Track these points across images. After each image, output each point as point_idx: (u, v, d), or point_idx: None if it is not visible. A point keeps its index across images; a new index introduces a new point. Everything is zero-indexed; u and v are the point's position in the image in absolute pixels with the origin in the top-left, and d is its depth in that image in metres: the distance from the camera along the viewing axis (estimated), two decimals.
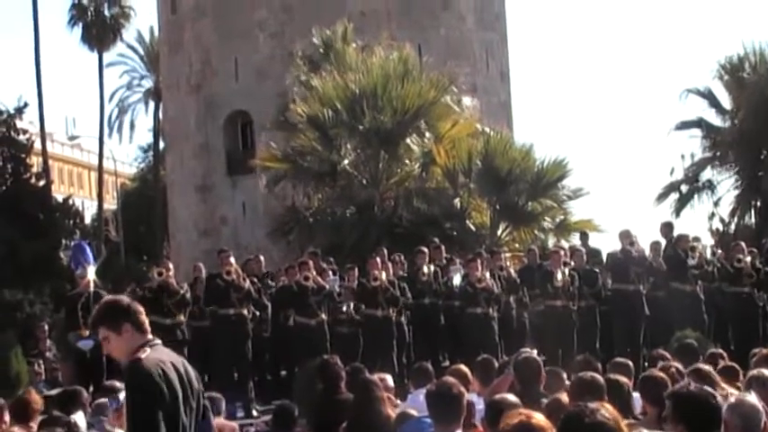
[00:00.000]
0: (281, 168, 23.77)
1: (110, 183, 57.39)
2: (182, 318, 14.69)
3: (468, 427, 6.65)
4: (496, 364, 9.10)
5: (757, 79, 29.78)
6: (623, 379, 7.44)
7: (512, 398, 6.67)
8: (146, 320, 5.38)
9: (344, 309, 16.00)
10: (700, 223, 33.62)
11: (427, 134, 23.34)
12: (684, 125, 31.92)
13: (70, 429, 7.83)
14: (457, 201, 22.91)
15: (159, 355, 5.27)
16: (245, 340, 14.86)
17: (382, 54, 23.92)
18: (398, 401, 9.20)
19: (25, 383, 15.07)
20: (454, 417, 6.22)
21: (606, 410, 4.17)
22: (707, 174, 31.51)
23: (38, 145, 40.34)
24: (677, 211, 31.06)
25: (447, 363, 15.16)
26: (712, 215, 31.41)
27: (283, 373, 16.25)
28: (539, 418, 4.71)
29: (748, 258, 17.01)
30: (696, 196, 31.37)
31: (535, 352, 8.49)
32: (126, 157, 67.06)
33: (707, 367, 8.30)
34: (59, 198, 40.90)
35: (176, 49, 34.85)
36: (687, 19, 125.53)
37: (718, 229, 31.05)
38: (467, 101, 25.74)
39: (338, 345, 14.85)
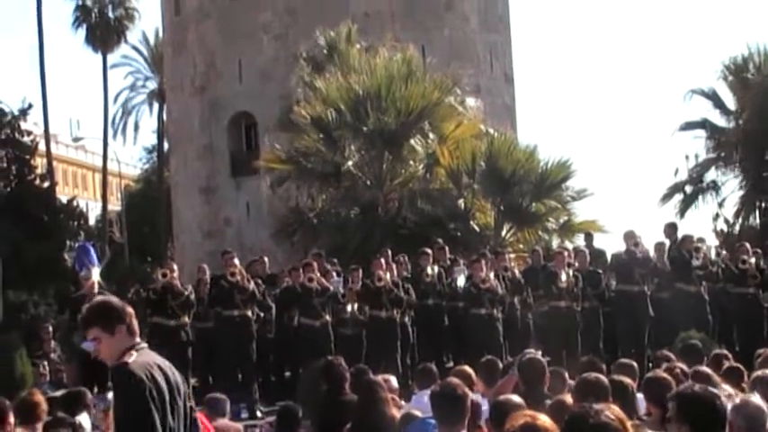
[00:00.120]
0: (285, 169, 23.77)
1: (114, 184, 57.48)
2: (186, 319, 14.71)
3: (473, 428, 6.65)
4: (501, 365, 9.11)
5: (761, 80, 29.79)
6: (627, 380, 7.43)
7: (516, 399, 6.67)
8: (137, 323, 5.39)
9: (348, 309, 16.00)
10: (704, 224, 33.61)
11: (431, 135, 23.33)
12: (689, 126, 31.94)
13: (75, 430, 7.84)
14: (461, 202, 22.89)
15: (146, 358, 5.28)
16: (249, 341, 14.86)
17: (386, 55, 23.92)
18: (403, 402, 9.20)
19: (30, 385, 15.09)
20: (458, 418, 6.21)
21: (611, 411, 4.16)
22: (711, 174, 31.54)
23: (42, 146, 40.39)
24: (681, 212, 31.06)
25: (451, 364, 15.16)
26: (717, 216, 31.43)
27: (287, 374, 16.26)
28: (544, 419, 4.72)
29: (753, 259, 16.99)
30: (700, 197, 31.38)
31: (539, 353, 8.50)
32: (130, 158, 67.31)
33: (707, 369, 8.32)
34: (64, 199, 41.02)
35: (180, 51, 34.89)
36: (691, 20, 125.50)
37: (722, 230, 31.05)
38: (470, 102, 25.74)
39: (342, 346, 14.86)
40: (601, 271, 17.14)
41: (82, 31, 48.28)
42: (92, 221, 51.48)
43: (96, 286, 14.10)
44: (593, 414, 4.15)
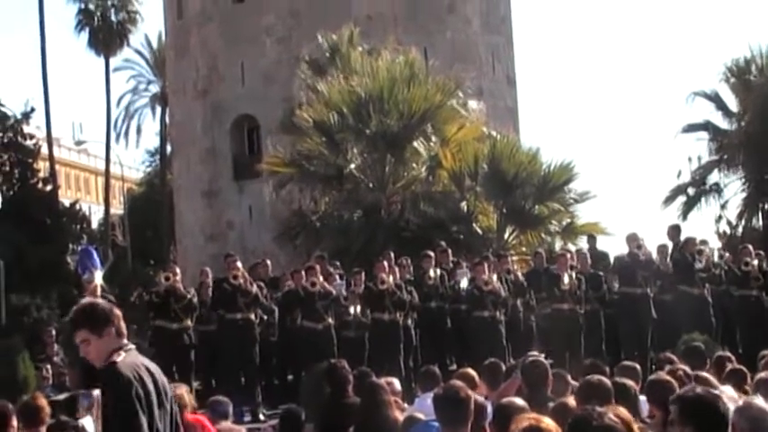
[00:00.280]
0: (288, 172, 23.77)
1: (116, 187, 57.48)
2: (189, 322, 14.73)
3: (477, 430, 6.64)
4: (504, 368, 9.10)
5: (764, 82, 29.80)
6: (630, 382, 7.44)
7: (519, 401, 6.67)
8: (124, 325, 5.41)
9: (351, 312, 15.99)
10: (707, 226, 33.54)
11: (433, 138, 23.33)
12: (691, 128, 31.94)
13: None
14: (463, 204, 22.88)
15: (134, 359, 5.32)
16: (252, 345, 14.87)
17: (388, 58, 23.92)
18: (406, 405, 9.19)
19: (32, 388, 15.07)
20: (461, 420, 6.21)
21: (617, 413, 4.16)
22: (714, 177, 31.54)
23: (45, 150, 40.41)
24: (684, 214, 31.05)
25: (454, 366, 15.19)
26: (719, 218, 31.43)
27: (290, 377, 16.26)
28: (548, 422, 4.72)
29: (756, 261, 16.99)
30: (703, 199, 31.38)
31: (542, 355, 8.49)
32: (133, 161, 67.40)
33: (706, 374, 8.33)
34: (66, 203, 40.99)
35: (183, 54, 34.90)
36: (693, 22, 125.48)
37: (725, 232, 31.05)
38: (473, 104, 25.74)
39: (345, 349, 14.85)
40: (602, 273, 17.15)
41: (84, 35, 48.39)
42: (94, 225, 51.48)
43: (99, 290, 14.08)
44: (596, 416, 4.15)
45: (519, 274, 17.90)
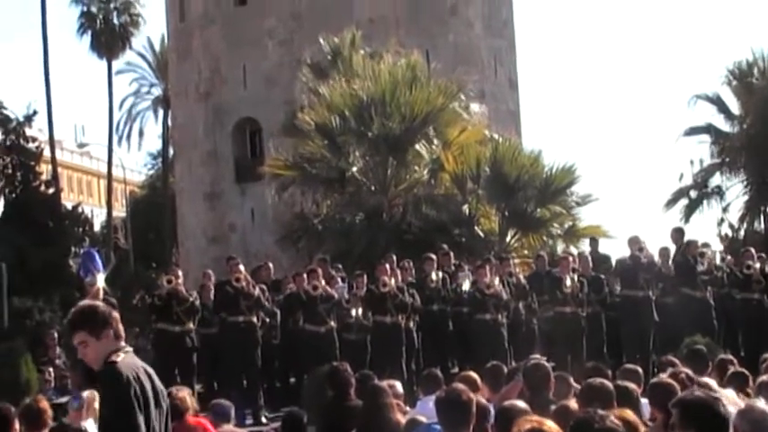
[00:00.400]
0: (290, 175, 23.78)
1: (119, 190, 57.51)
2: (191, 325, 14.73)
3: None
4: (505, 371, 9.10)
5: (766, 84, 29.84)
6: (632, 385, 7.43)
7: (521, 404, 6.67)
8: (122, 328, 5.44)
9: (353, 314, 15.99)
10: (709, 229, 33.64)
11: (435, 141, 23.32)
12: (693, 131, 31.97)
13: None
14: (465, 207, 22.89)
15: (132, 361, 5.36)
16: (254, 347, 14.87)
17: (390, 60, 23.93)
18: (408, 408, 9.19)
19: (35, 391, 15.09)
20: (464, 423, 6.21)
21: (621, 416, 4.16)
22: (716, 179, 31.59)
23: (47, 153, 40.46)
24: (686, 217, 31.10)
25: (456, 369, 15.18)
26: (721, 221, 31.48)
27: (292, 380, 16.25)
28: (550, 425, 4.72)
29: (758, 264, 16.98)
30: (705, 202, 31.42)
31: (544, 358, 8.49)
32: (135, 164, 67.16)
33: (705, 379, 8.34)
34: (68, 206, 41.02)
35: (185, 57, 34.93)
36: (696, 25, 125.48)
37: (727, 235, 31.08)
38: (475, 107, 25.73)
39: (347, 351, 14.85)
40: (603, 276, 17.14)
41: (87, 38, 48.40)
42: (97, 227, 51.48)
43: (101, 292, 14.09)
44: (598, 419, 4.16)
45: (521, 276, 17.91)
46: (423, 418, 7.45)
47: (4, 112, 36.71)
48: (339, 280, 16.46)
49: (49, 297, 31.39)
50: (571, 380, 8.42)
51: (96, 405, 7.49)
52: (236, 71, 32.88)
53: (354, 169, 23.10)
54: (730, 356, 11.19)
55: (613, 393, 6.87)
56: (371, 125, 22.32)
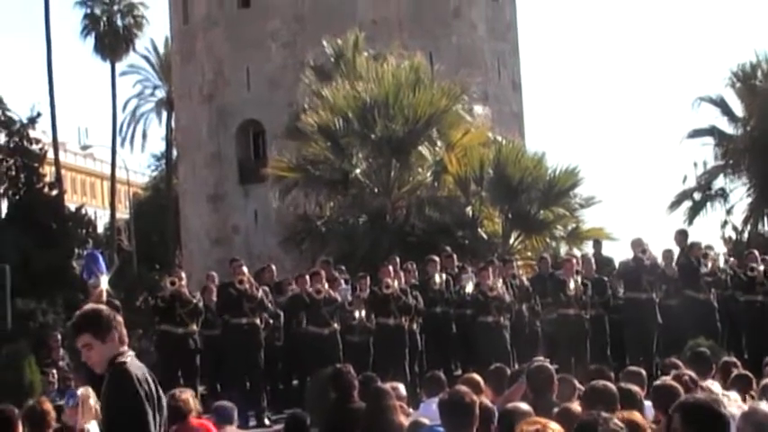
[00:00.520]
0: (293, 177, 23.77)
1: (122, 192, 57.57)
2: (194, 327, 14.72)
3: None
4: (509, 373, 9.09)
5: None
6: (635, 387, 7.43)
7: (524, 406, 6.67)
8: (126, 332, 5.47)
9: (356, 316, 15.99)
10: (712, 231, 33.60)
11: (439, 143, 23.33)
12: (697, 133, 31.95)
13: None
14: (469, 209, 22.88)
15: (137, 363, 5.41)
16: (257, 349, 14.86)
17: (393, 63, 23.94)
18: (411, 410, 9.19)
19: (38, 393, 15.09)
20: (467, 425, 6.21)
21: (627, 418, 4.16)
22: (719, 182, 31.58)
23: (50, 155, 40.57)
24: (690, 219, 31.09)
25: (459, 371, 15.16)
26: (725, 223, 31.46)
27: (295, 382, 16.24)
28: (554, 427, 4.72)
29: (761, 266, 16.96)
30: (709, 204, 31.40)
31: (548, 360, 8.49)
32: (138, 166, 67.44)
33: (708, 382, 8.34)
34: (72, 207, 41.11)
35: (189, 59, 34.95)
36: (699, 27, 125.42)
37: (730, 237, 31.07)
38: (478, 109, 25.73)
39: (350, 353, 14.85)
40: (606, 278, 17.14)
41: (90, 40, 48.52)
42: (100, 229, 51.55)
43: (105, 294, 14.09)
44: (601, 422, 4.16)
45: (524, 279, 17.91)
46: (426, 421, 7.45)
47: (8, 114, 36.83)
48: (342, 282, 16.46)
49: (53, 299, 31.44)
50: (575, 382, 8.42)
51: (92, 402, 7.49)
52: (239, 73, 32.89)
53: (357, 171, 23.11)
54: (734, 359, 11.19)
55: (617, 396, 6.86)
56: (375, 127, 22.33)
